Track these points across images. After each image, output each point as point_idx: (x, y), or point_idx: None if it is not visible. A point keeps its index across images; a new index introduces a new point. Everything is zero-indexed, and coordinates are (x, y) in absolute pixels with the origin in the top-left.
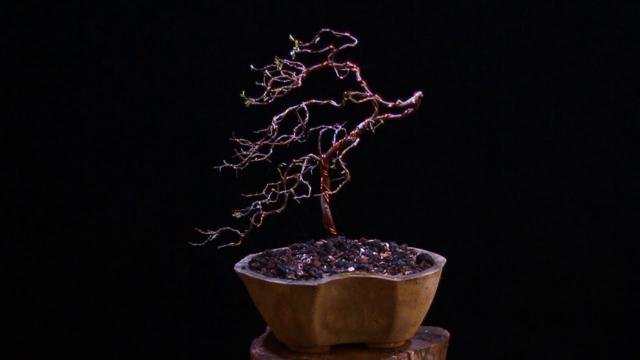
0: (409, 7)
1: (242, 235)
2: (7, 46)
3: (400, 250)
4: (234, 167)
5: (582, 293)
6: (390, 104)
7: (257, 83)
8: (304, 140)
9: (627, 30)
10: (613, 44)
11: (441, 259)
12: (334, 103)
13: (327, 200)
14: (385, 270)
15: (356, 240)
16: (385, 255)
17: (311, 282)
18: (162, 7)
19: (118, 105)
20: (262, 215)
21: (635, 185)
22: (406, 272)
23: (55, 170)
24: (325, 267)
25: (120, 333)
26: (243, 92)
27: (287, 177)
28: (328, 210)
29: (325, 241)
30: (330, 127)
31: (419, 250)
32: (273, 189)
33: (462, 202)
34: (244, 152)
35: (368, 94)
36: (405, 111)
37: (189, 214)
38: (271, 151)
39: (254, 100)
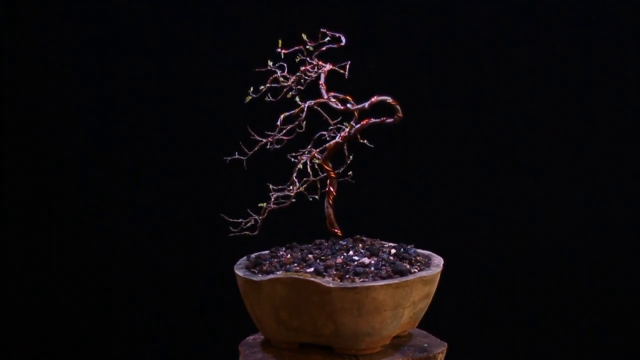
0: (409, 7)
1: (258, 224)
2: (7, 46)
3: (391, 258)
4: (244, 159)
5: (585, 295)
6: (341, 108)
7: (281, 79)
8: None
9: (628, 30)
10: (613, 44)
11: (426, 271)
12: (334, 104)
13: (330, 201)
14: (335, 275)
15: (366, 241)
16: (366, 260)
17: (255, 278)
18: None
19: (116, 104)
20: (268, 209)
21: (636, 185)
22: (358, 280)
23: (57, 169)
24: (295, 264)
25: (123, 331)
26: (252, 88)
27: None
28: (330, 211)
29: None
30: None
31: (436, 259)
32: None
33: (462, 203)
34: (262, 146)
35: (324, 97)
36: (396, 116)
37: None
38: (310, 148)
39: (267, 95)
